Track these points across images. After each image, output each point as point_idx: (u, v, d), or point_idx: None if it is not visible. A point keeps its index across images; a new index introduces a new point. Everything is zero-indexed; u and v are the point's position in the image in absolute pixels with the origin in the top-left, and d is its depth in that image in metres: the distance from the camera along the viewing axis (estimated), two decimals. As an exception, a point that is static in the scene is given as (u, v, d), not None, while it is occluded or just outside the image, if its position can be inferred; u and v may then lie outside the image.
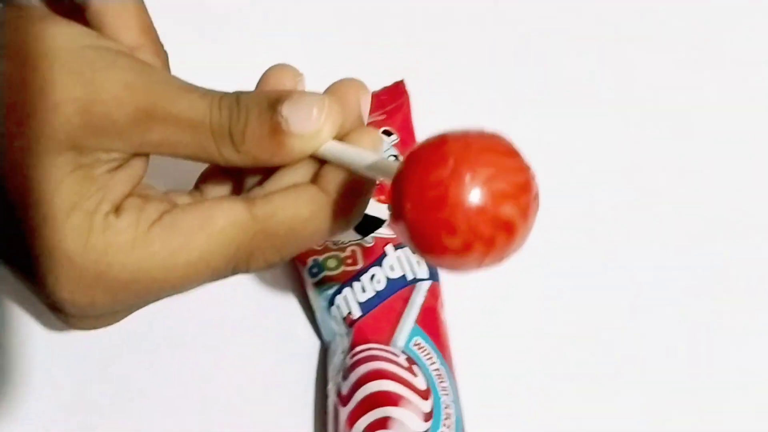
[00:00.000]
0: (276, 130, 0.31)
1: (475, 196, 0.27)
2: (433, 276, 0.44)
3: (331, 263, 0.44)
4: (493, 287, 0.47)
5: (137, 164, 0.32)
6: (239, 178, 0.35)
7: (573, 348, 0.46)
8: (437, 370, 0.42)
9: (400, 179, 0.28)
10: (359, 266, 0.44)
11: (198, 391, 0.43)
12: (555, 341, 0.46)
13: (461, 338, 0.44)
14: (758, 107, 0.53)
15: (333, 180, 0.32)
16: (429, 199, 0.27)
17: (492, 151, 0.28)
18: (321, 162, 0.33)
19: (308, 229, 0.32)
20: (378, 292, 0.43)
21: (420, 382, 0.41)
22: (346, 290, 0.43)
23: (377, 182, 0.33)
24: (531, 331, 0.46)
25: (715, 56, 0.54)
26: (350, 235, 0.45)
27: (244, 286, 0.46)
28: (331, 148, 0.32)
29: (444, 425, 0.40)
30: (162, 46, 0.35)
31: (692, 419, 0.45)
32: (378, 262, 0.44)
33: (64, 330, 0.44)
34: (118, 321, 0.34)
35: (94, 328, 0.34)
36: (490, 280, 0.47)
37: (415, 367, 0.41)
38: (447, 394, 0.41)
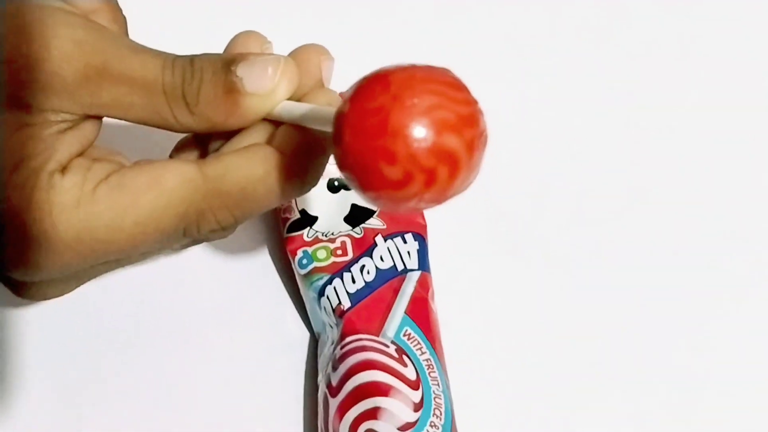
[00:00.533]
0: (230, 89, 0.31)
1: (417, 123, 0.26)
2: (424, 266, 0.44)
3: (321, 254, 0.44)
4: (484, 278, 0.47)
5: (88, 127, 0.31)
6: (206, 149, 0.34)
7: (563, 339, 0.46)
8: (427, 360, 0.42)
9: (341, 111, 0.27)
10: (349, 257, 0.44)
11: (188, 384, 0.43)
12: (545, 332, 0.46)
13: (451, 328, 0.44)
14: (757, 107, 0.53)
15: (287, 139, 0.31)
16: (369, 125, 0.26)
17: (437, 81, 0.27)
18: (277, 125, 0.32)
19: (261, 190, 0.31)
20: (368, 283, 0.43)
21: (410, 372, 0.41)
22: (336, 281, 0.43)
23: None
24: (521, 321, 0.46)
25: (716, 56, 0.54)
26: (340, 226, 0.45)
27: (233, 277, 0.46)
28: (286, 106, 0.31)
29: (434, 415, 0.40)
30: (120, 10, 0.34)
31: (688, 418, 0.45)
32: (368, 252, 0.44)
33: (50, 328, 0.44)
34: (70, 290, 0.34)
35: (45, 297, 0.33)
36: (481, 271, 0.47)
37: (405, 357, 0.41)
38: (437, 384, 0.41)
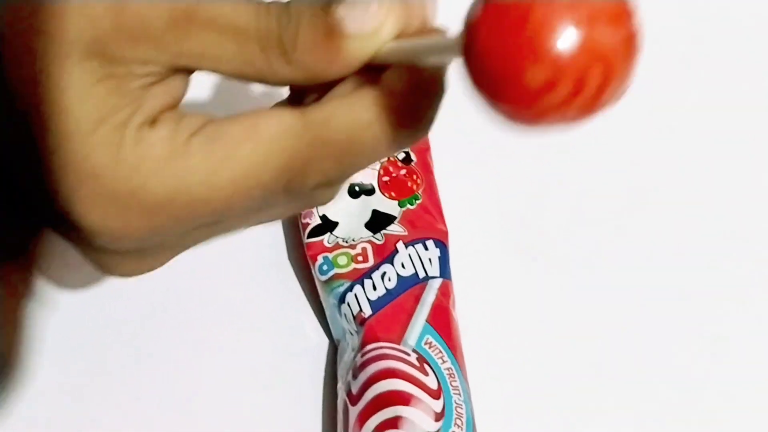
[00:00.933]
0: (331, 32, 0.27)
1: (565, 13, 0.21)
2: (445, 274, 0.44)
3: (342, 260, 0.43)
4: (505, 285, 0.47)
5: (176, 82, 0.28)
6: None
7: (587, 349, 0.45)
8: (448, 369, 0.41)
9: (472, 16, 0.23)
10: (370, 264, 0.43)
11: (206, 389, 0.43)
12: (568, 341, 0.46)
13: (472, 337, 0.43)
14: (758, 106, 0.53)
15: (396, 80, 0.27)
16: (509, 19, 0.22)
17: None
18: (382, 73, 0.28)
19: (369, 137, 0.27)
20: (389, 290, 0.42)
21: (431, 381, 0.40)
22: (357, 288, 0.43)
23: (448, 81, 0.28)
24: (543, 330, 0.46)
25: (717, 56, 0.54)
26: (360, 232, 0.44)
27: (251, 282, 0.46)
28: (393, 47, 0.28)
29: (455, 425, 0.40)
30: None
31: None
32: (389, 259, 0.43)
33: (62, 326, 0.44)
34: (162, 263, 0.31)
35: (137, 272, 0.31)
36: (502, 278, 0.47)
37: (426, 366, 0.41)
38: (458, 393, 0.41)
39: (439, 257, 0.44)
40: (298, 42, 0.27)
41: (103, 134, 0.26)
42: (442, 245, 0.45)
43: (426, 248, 0.44)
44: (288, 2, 0.28)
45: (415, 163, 0.47)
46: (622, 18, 0.22)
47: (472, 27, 0.23)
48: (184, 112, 0.28)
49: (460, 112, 0.50)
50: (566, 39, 0.21)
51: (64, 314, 0.44)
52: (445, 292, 0.43)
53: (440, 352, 0.41)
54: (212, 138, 0.27)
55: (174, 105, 0.29)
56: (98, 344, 0.44)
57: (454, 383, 0.41)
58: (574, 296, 0.47)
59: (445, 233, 0.45)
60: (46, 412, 0.42)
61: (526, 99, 0.22)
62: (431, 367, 0.41)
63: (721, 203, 0.50)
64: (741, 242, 0.49)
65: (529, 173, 0.48)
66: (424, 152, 0.48)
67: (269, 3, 0.28)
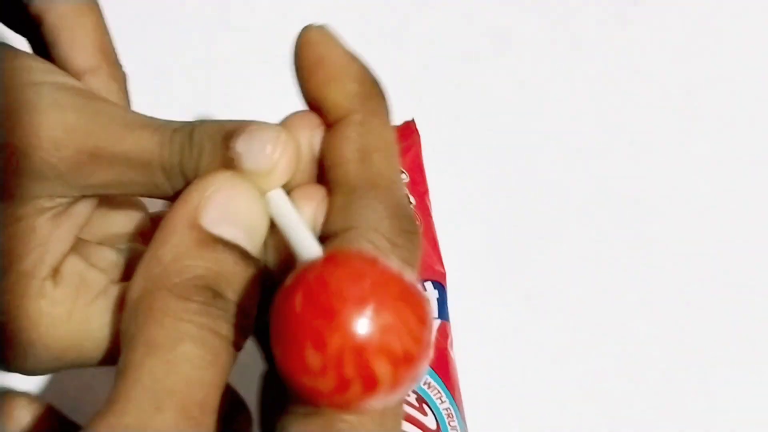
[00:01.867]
0: (230, 164, 0.28)
1: (362, 333, 0.23)
2: (443, 315, 0.44)
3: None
4: (502, 326, 0.48)
5: (83, 206, 0.30)
6: None
7: (585, 390, 0.46)
8: (447, 409, 0.42)
9: (310, 270, 0.24)
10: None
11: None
12: (566, 382, 0.46)
13: (470, 377, 0.44)
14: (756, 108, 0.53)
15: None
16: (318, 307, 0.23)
17: (405, 300, 0.24)
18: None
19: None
20: (388, 331, 0.43)
21: (430, 422, 0.41)
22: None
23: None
24: (541, 370, 0.46)
25: (714, 55, 0.54)
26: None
27: None
28: (275, 198, 0.28)
29: (454, 465, 0.40)
30: (120, 67, 0.33)
31: None
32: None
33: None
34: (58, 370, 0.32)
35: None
36: (499, 320, 0.48)
37: (425, 406, 0.41)
38: (457, 434, 0.41)
39: (438, 299, 0.45)
40: (198, 171, 0.28)
41: (9, 283, 0.28)
42: (441, 287, 0.45)
43: (425, 290, 0.45)
44: (192, 130, 0.29)
45: (414, 206, 0.48)
46: (404, 363, 0.23)
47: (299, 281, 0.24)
48: (88, 263, 0.30)
49: (457, 157, 0.51)
50: (349, 348, 0.23)
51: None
52: (443, 334, 0.44)
53: (439, 392, 0.42)
54: (110, 307, 0.29)
55: (80, 229, 0.30)
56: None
57: (452, 423, 0.42)
58: (571, 336, 0.47)
59: (443, 275, 0.46)
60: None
61: (300, 372, 0.23)
62: (430, 408, 0.41)
63: (719, 208, 0.51)
64: (737, 245, 0.50)
65: (525, 217, 0.49)
66: (423, 195, 0.49)
67: (174, 131, 0.29)
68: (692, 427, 0.46)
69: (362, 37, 0.49)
